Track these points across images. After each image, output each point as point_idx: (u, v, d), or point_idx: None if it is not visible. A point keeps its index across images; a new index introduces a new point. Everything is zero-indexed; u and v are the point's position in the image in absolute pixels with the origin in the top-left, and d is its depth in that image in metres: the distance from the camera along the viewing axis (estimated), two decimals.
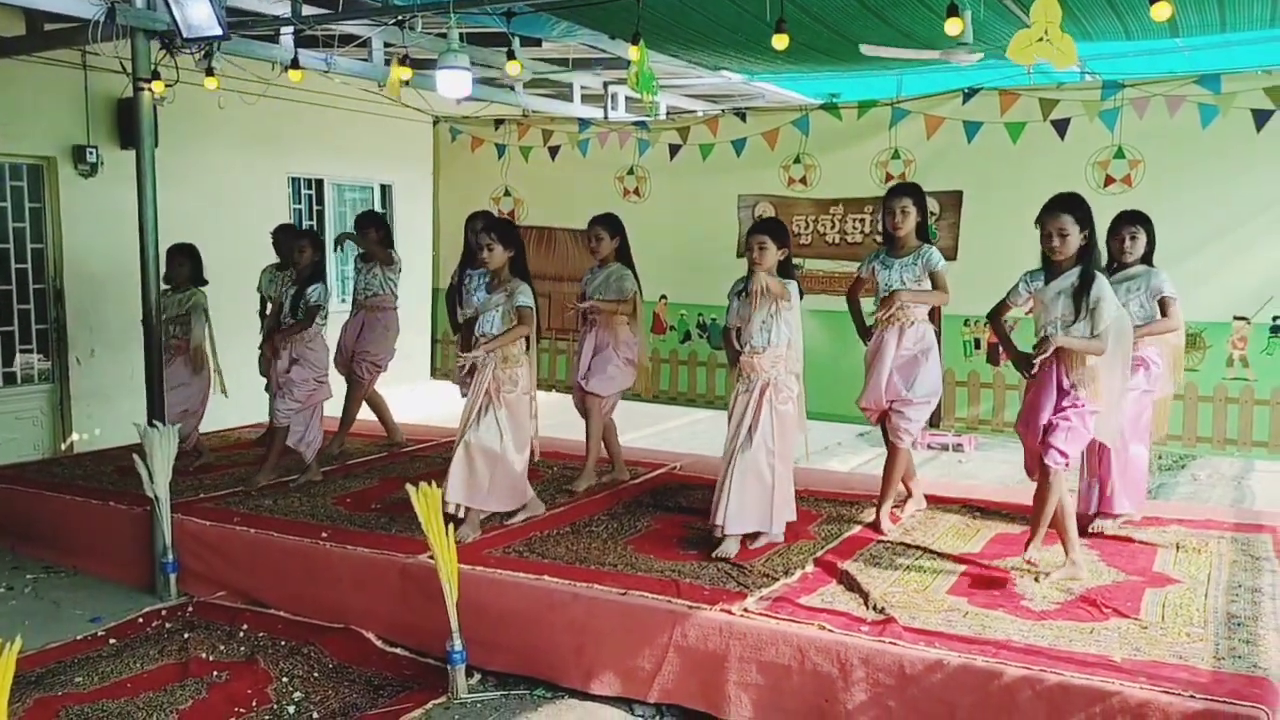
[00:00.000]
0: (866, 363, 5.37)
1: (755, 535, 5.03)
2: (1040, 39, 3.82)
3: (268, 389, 6.61)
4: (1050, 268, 4.47)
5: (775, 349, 4.90)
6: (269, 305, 6.79)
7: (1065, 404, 4.40)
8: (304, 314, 6.25)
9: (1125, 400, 4.65)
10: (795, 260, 6.68)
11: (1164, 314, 5.01)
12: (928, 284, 5.18)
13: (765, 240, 4.91)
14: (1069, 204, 4.38)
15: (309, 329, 6.28)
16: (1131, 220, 5.04)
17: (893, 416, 5.30)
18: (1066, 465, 4.45)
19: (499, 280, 5.29)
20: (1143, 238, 5.02)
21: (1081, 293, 4.35)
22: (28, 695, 4.22)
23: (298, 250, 6.30)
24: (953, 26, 4.15)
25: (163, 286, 6.49)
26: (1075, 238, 4.33)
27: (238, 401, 7.25)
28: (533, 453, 5.41)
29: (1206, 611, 4.15)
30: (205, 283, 6.72)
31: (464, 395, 6.63)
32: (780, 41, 4.66)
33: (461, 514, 5.17)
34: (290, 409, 6.24)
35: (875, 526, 5.34)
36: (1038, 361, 4.37)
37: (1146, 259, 5.06)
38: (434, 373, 8.50)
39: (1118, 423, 4.68)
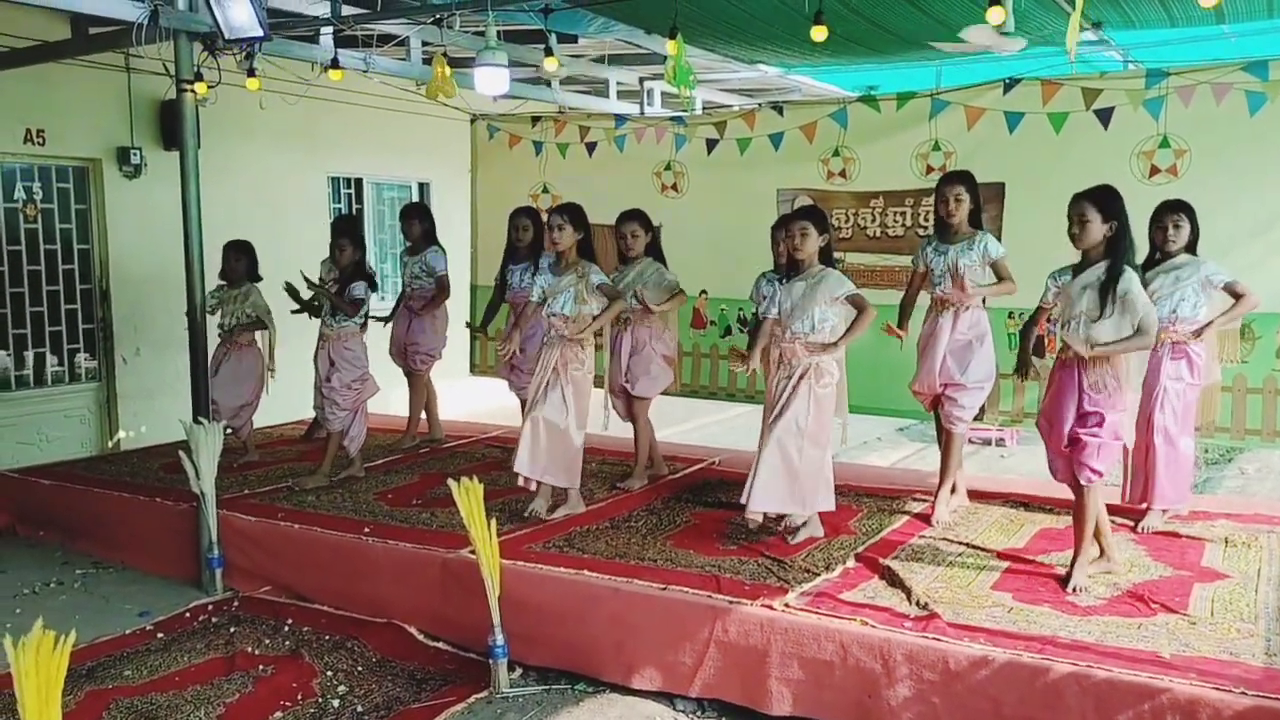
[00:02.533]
0: (919, 347, 5.39)
1: (795, 530, 5.02)
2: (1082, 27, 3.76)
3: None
4: (1079, 261, 4.38)
5: (818, 335, 4.89)
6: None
7: (1088, 409, 4.27)
8: (349, 303, 6.28)
9: (1133, 397, 4.55)
10: (836, 254, 6.68)
11: (1239, 296, 4.96)
12: (986, 272, 5.20)
13: (807, 226, 4.91)
14: (1093, 193, 4.30)
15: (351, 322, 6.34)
16: (1175, 209, 4.96)
17: (946, 402, 5.31)
18: (1102, 479, 4.35)
19: (566, 263, 5.39)
20: (1186, 227, 4.93)
21: (1108, 286, 4.22)
22: (79, 688, 4.28)
23: (337, 249, 6.36)
24: (995, 15, 4.09)
25: (217, 282, 6.65)
26: (1096, 227, 4.23)
27: (281, 398, 7.32)
28: None
29: (1257, 607, 4.08)
30: (260, 279, 6.82)
31: (512, 389, 6.69)
32: (819, 33, 4.63)
33: (533, 487, 5.38)
34: (339, 416, 6.30)
35: (930, 512, 5.36)
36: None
37: (1190, 248, 4.98)
38: (473, 369, 8.54)
39: (1131, 421, 4.58)
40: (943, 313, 5.28)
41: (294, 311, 6.71)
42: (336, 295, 6.28)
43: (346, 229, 6.51)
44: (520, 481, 5.39)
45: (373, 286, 7.14)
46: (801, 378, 4.89)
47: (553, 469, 5.35)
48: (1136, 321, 4.19)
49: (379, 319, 7.01)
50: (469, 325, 7.12)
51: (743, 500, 4.91)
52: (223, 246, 6.67)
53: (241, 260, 6.76)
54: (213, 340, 6.61)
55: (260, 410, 7.05)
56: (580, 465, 5.48)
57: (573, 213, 5.38)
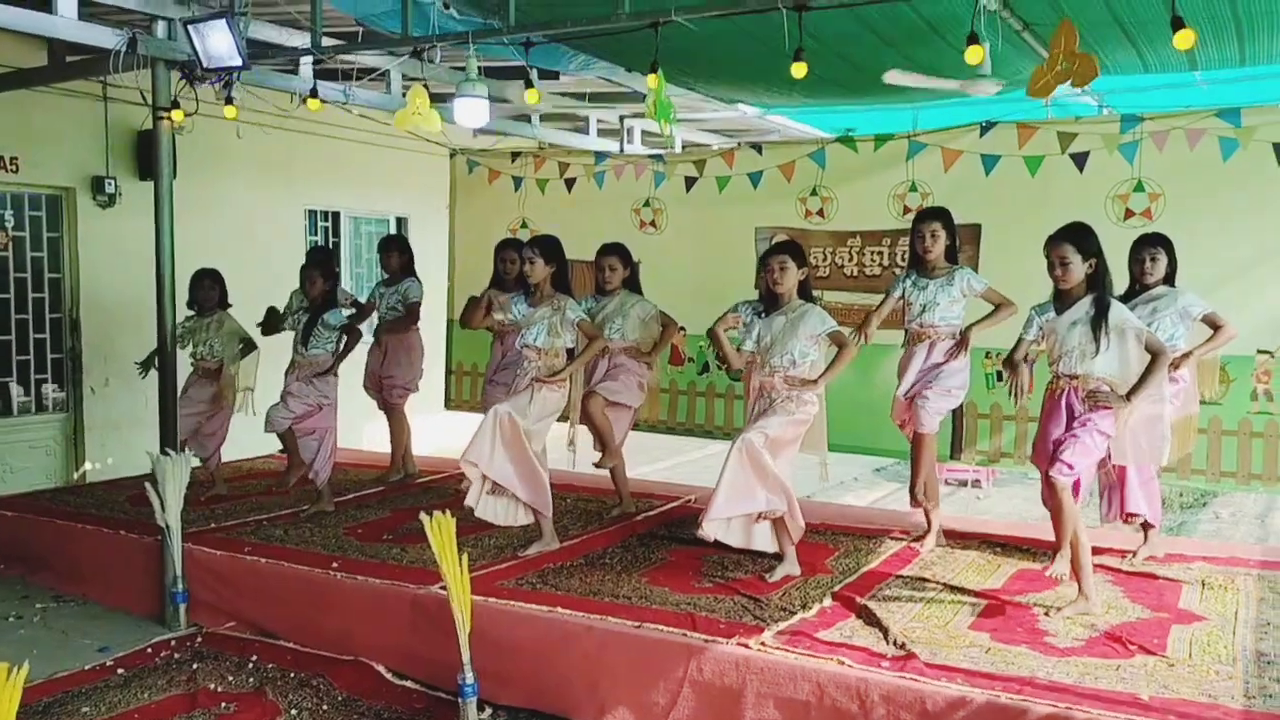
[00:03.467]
0: (899, 378, 5.41)
1: (772, 568, 4.97)
2: (1058, 68, 3.79)
3: None
4: (1060, 299, 4.49)
5: (798, 370, 4.90)
6: (286, 321, 6.67)
7: (1075, 428, 4.39)
8: (344, 343, 6.33)
9: (1163, 419, 4.58)
10: (814, 293, 6.68)
11: (1218, 328, 5.01)
12: (962, 305, 5.24)
13: (786, 260, 4.94)
14: (1070, 233, 4.41)
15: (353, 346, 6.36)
16: (1152, 242, 5.06)
17: (915, 403, 5.31)
18: (1074, 478, 4.36)
19: (541, 295, 5.36)
20: (1163, 259, 5.02)
21: (1099, 321, 4.34)
22: None
23: (308, 281, 6.33)
24: (973, 55, 4.12)
25: (186, 313, 6.60)
26: (1078, 266, 4.36)
27: (252, 431, 7.21)
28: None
29: (1235, 649, 4.05)
30: (230, 305, 6.75)
31: None
32: (799, 70, 4.64)
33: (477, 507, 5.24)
34: (284, 416, 6.25)
35: (913, 500, 5.46)
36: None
37: (1169, 280, 5.05)
38: (448, 404, 8.47)
39: (1146, 445, 4.59)
40: (918, 344, 5.32)
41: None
42: (308, 324, 6.24)
43: (319, 260, 6.48)
44: (468, 501, 5.20)
45: (362, 310, 7.06)
46: (781, 403, 4.90)
47: (503, 467, 5.16)
48: (1143, 345, 4.32)
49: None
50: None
51: (700, 519, 4.82)
52: (192, 275, 6.60)
53: (214, 289, 6.70)
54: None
55: (234, 443, 6.95)
56: (544, 487, 5.28)
57: (545, 245, 5.35)
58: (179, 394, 6.39)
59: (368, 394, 7.29)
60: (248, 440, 7.42)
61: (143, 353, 6.72)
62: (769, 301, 5.07)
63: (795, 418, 4.91)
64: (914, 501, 5.57)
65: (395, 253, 7.13)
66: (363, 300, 7.45)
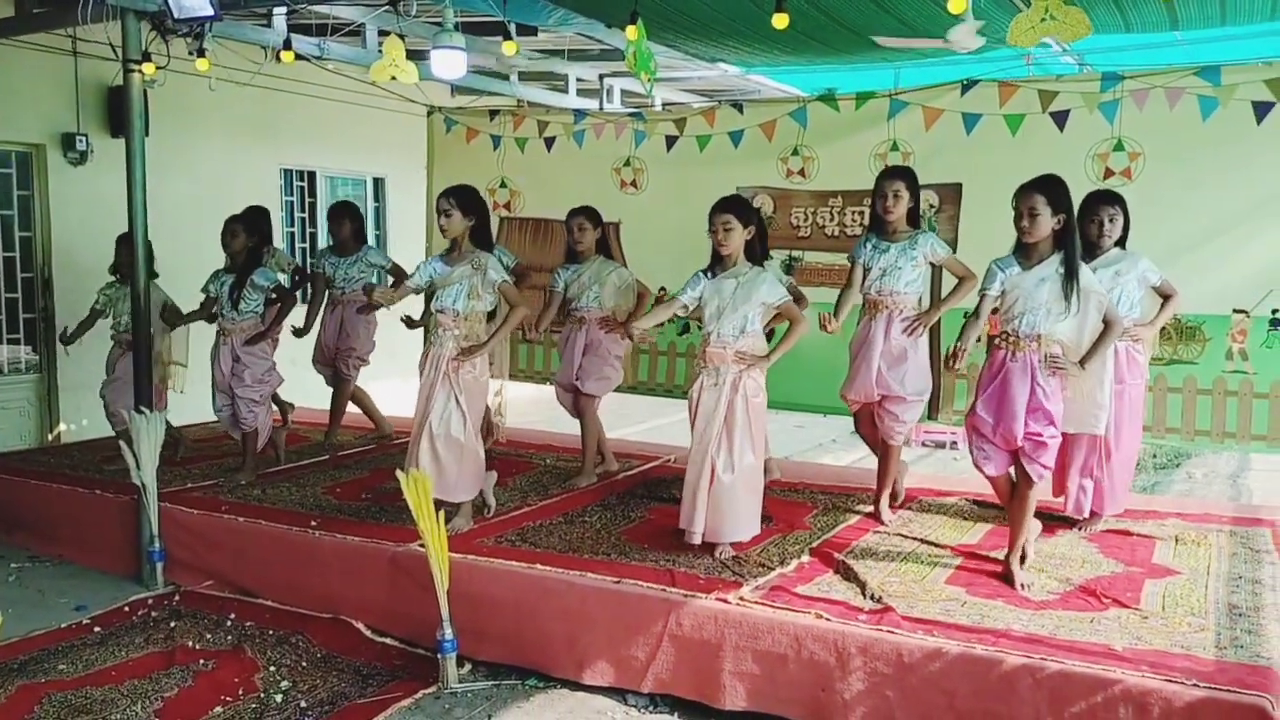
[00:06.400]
0: (851, 351, 5.20)
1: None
2: (1043, 19, 3.76)
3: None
4: (1025, 254, 4.31)
5: (745, 339, 4.63)
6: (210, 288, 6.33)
7: (1040, 404, 4.21)
8: (279, 309, 6.10)
9: (1103, 388, 4.55)
10: (795, 253, 6.65)
11: (1168, 296, 4.94)
12: (926, 270, 5.08)
13: (730, 220, 4.60)
14: (1042, 184, 4.22)
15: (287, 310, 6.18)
16: (1109, 201, 4.85)
17: (885, 416, 5.12)
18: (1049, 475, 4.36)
19: (459, 251, 4.96)
20: (1120, 220, 4.84)
21: (1070, 281, 4.19)
22: (10, 682, 4.16)
23: (229, 234, 6.05)
24: (956, 5, 4.07)
25: (109, 278, 6.50)
26: (1046, 220, 4.18)
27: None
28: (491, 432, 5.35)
29: (1207, 602, 4.11)
30: (156, 275, 6.29)
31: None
32: (780, 21, 4.58)
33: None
34: (256, 413, 6.10)
35: (876, 518, 5.29)
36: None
37: (1120, 242, 4.90)
38: None
39: (1098, 410, 4.56)
40: (876, 316, 5.04)
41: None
42: (234, 286, 6.04)
43: (242, 216, 6.18)
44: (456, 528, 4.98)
45: (304, 280, 6.88)
46: (734, 389, 4.59)
47: (462, 485, 4.99)
48: (1103, 314, 4.24)
49: (296, 330, 6.78)
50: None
51: (694, 529, 4.59)
52: (116, 239, 6.32)
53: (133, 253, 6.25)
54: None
55: (200, 407, 6.86)
56: (480, 469, 5.13)
57: (461, 196, 4.89)
58: (108, 372, 6.43)
59: (316, 369, 7.05)
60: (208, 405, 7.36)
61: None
62: (715, 262, 4.74)
63: (758, 412, 4.67)
64: (876, 513, 5.29)
65: (347, 219, 6.86)
66: (302, 269, 7.15)
